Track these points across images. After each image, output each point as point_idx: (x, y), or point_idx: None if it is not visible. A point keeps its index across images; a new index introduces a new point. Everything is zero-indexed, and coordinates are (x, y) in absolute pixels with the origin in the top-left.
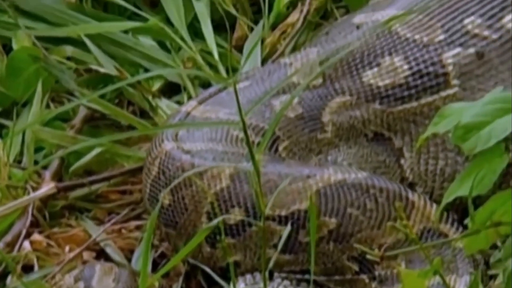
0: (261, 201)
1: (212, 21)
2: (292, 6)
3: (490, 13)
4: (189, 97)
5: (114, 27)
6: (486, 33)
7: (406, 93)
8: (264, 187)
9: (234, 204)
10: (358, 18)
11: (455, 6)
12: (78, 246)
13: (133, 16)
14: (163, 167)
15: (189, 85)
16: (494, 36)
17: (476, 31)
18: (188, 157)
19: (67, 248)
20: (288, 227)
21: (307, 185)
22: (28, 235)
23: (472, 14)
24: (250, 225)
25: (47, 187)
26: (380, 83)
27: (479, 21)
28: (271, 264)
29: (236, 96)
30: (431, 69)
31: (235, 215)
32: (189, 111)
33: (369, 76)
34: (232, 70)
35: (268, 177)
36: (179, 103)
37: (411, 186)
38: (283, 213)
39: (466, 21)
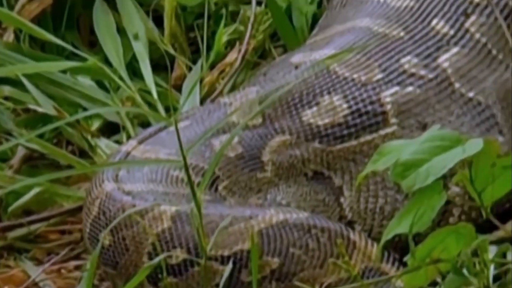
0: (203, 241)
1: (151, 60)
2: (230, 45)
3: (426, 52)
4: (128, 137)
5: (52, 67)
6: (422, 72)
7: (345, 132)
8: (206, 228)
9: (176, 245)
10: (297, 57)
11: (392, 46)
12: (17, 287)
13: (71, 56)
14: (104, 207)
15: (128, 124)
16: (431, 76)
17: (413, 70)
18: (129, 198)
19: None
20: (230, 266)
21: (249, 226)
22: None
23: (408, 53)
24: (192, 265)
25: None
26: (320, 122)
27: (415, 60)
28: None
29: (178, 135)
30: (369, 108)
31: (177, 256)
32: (129, 151)
33: (309, 115)
34: (172, 109)
35: (210, 218)
36: (118, 142)
37: (350, 224)
38: (226, 253)
39: (403, 60)
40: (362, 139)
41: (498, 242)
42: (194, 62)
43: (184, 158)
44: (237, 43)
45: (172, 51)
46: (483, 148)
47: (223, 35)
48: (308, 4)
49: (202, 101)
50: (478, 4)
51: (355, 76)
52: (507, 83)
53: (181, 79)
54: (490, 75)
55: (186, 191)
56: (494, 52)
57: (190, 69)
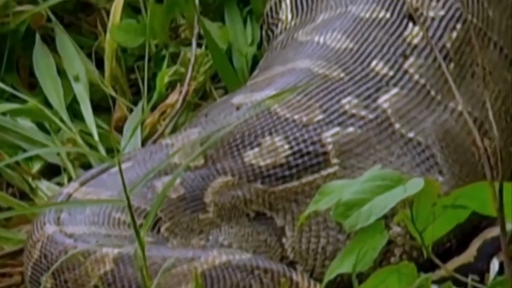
0: (147, 283)
1: (92, 102)
2: (171, 87)
3: (366, 93)
4: (70, 179)
5: None
6: (363, 113)
7: (287, 172)
8: (149, 270)
9: (119, 287)
10: (237, 98)
11: (332, 87)
12: None
13: (11, 98)
14: (45, 250)
15: (69, 166)
16: (371, 116)
17: (354, 111)
18: (71, 241)
19: None
20: None
21: (192, 267)
22: None
23: (349, 94)
24: None
25: None
26: (262, 163)
27: (355, 101)
28: None
29: (122, 176)
30: (311, 148)
31: None
32: (71, 193)
33: (251, 156)
34: (113, 151)
35: (153, 260)
36: (60, 184)
37: (292, 264)
38: None
39: (344, 101)
40: (304, 180)
41: (439, 281)
42: (135, 103)
43: (128, 199)
44: (178, 85)
45: (113, 93)
46: (423, 188)
47: (165, 76)
48: (248, 45)
49: (143, 143)
50: (416, 46)
51: (296, 117)
52: (446, 123)
53: (122, 120)
54: (429, 115)
55: (128, 233)
56: (432, 93)
57: (131, 110)
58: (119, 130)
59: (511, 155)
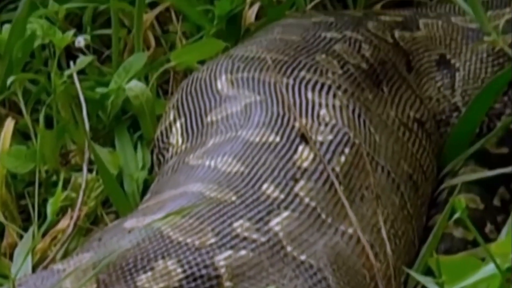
0: None
1: None
2: (62, 212)
3: (258, 216)
4: None
5: None
6: (255, 236)
7: None
8: None
9: None
10: (129, 223)
11: (224, 210)
12: None
13: None
14: None
15: None
16: (263, 239)
17: (245, 234)
18: None
19: None
20: None
21: None
22: None
23: (241, 217)
24: None
25: None
26: (155, 287)
27: (247, 224)
28: None
29: None
30: (204, 272)
31: None
32: None
33: (143, 280)
34: (3, 278)
35: None
36: None
37: None
38: None
39: (235, 224)
40: None
41: None
42: (25, 229)
43: None
44: (69, 210)
45: (2, 219)
46: None
47: (59, 200)
48: (139, 170)
49: (34, 269)
50: (306, 170)
51: (188, 240)
52: (336, 246)
53: (13, 247)
54: (320, 238)
55: None
56: (323, 216)
57: (21, 237)
58: (9, 256)
59: (401, 277)
